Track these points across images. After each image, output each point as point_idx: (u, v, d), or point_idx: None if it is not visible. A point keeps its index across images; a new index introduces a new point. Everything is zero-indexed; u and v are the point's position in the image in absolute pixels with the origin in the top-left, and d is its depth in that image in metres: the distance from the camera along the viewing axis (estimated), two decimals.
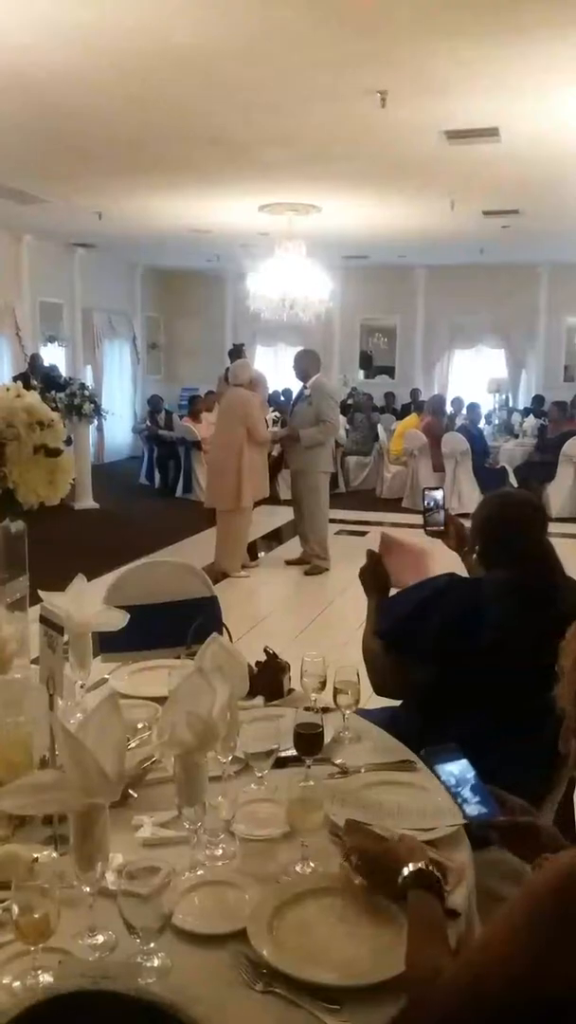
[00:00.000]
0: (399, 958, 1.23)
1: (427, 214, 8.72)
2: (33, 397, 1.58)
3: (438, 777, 1.42)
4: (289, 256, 8.70)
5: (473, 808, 1.40)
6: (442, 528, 2.41)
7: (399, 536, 2.43)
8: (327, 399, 6.76)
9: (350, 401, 11.71)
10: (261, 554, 7.61)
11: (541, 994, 1.03)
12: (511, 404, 12.40)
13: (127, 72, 4.85)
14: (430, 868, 1.26)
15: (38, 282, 11.24)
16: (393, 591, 2.29)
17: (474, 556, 2.17)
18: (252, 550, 7.33)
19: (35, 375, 9.79)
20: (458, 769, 1.43)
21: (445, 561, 2.37)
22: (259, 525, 8.03)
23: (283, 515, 8.59)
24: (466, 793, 1.38)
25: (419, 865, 1.27)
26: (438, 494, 2.45)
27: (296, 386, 8.05)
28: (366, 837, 1.42)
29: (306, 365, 6.85)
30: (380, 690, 2.18)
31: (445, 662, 1.98)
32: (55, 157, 6.81)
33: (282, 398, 11.50)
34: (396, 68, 4.68)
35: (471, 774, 1.41)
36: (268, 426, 9.00)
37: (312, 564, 6.83)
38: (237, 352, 9.45)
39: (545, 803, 2.06)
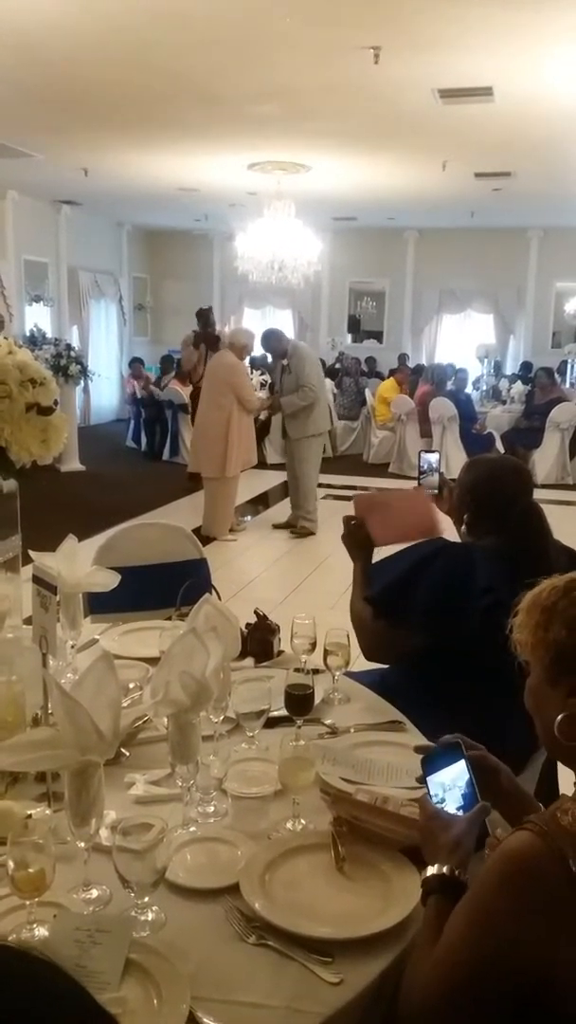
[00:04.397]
0: (389, 912, 1.26)
1: (418, 175, 8.61)
2: (25, 354, 1.56)
3: (428, 791, 1.33)
4: (278, 216, 8.59)
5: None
6: (436, 491, 2.41)
7: (374, 494, 2.43)
8: (303, 363, 6.72)
9: (337, 365, 11.64)
10: (248, 518, 7.62)
11: (508, 973, 1.05)
12: (502, 371, 12.35)
13: (117, 26, 4.73)
14: (456, 874, 1.20)
15: (23, 240, 11.05)
16: (378, 551, 2.29)
17: (463, 527, 2.16)
18: (237, 513, 7.33)
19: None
20: (450, 776, 1.34)
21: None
22: (246, 489, 8.02)
23: (270, 479, 8.59)
24: (450, 808, 1.34)
25: (444, 870, 1.21)
26: (433, 457, 2.45)
27: None
28: (354, 807, 1.44)
29: (274, 346, 6.86)
30: (370, 655, 2.19)
31: (436, 628, 1.98)
32: (41, 110, 6.66)
33: (269, 361, 11.42)
34: (389, 24, 4.59)
35: (464, 780, 1.33)
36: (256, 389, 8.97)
37: (300, 526, 6.85)
38: (204, 315, 9.26)
39: (528, 764, 2.09)
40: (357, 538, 2.30)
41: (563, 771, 1.95)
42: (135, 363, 11.91)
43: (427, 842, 1.28)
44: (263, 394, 8.56)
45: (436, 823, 1.28)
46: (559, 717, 1.16)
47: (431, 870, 1.22)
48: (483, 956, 1.05)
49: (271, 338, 6.89)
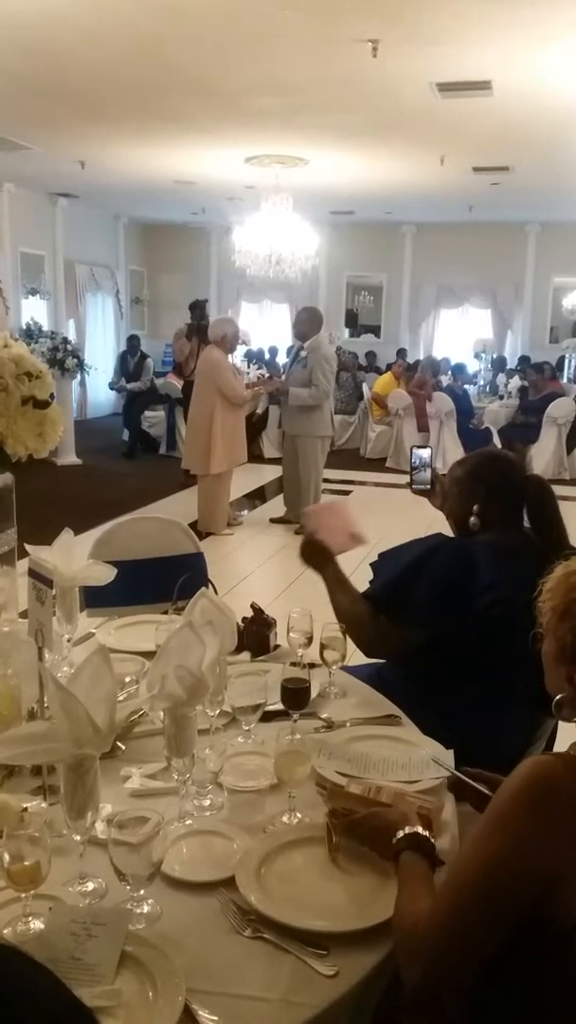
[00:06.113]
0: (384, 905, 1.26)
1: (416, 169, 8.60)
2: (21, 348, 1.56)
3: None
4: (275, 210, 8.57)
5: None
6: (428, 487, 2.40)
7: (318, 506, 2.46)
8: (321, 363, 6.59)
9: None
10: (245, 512, 7.61)
11: (518, 878, 1.12)
12: (507, 366, 12.32)
13: (115, 18, 4.71)
14: (424, 833, 1.30)
15: (19, 232, 11.03)
16: (378, 548, 2.29)
17: (472, 518, 2.13)
18: (234, 507, 7.31)
19: None
20: None
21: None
22: (243, 483, 8.02)
23: (267, 473, 8.59)
24: None
25: (414, 829, 1.31)
26: (425, 453, 2.44)
27: (282, 344, 7.94)
28: (349, 800, 1.45)
29: (307, 328, 6.69)
30: (370, 652, 2.18)
31: (437, 624, 1.97)
32: (38, 102, 6.63)
33: (267, 355, 11.40)
34: (388, 17, 4.57)
35: None
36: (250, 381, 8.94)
37: (301, 524, 6.82)
38: (200, 307, 9.23)
39: (522, 760, 2.10)
40: (314, 548, 2.28)
41: None
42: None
43: (381, 826, 1.35)
44: (262, 373, 8.49)
45: (379, 809, 1.40)
46: (559, 696, 1.29)
47: (400, 832, 1.31)
48: (497, 859, 1.12)
49: (306, 319, 6.72)
